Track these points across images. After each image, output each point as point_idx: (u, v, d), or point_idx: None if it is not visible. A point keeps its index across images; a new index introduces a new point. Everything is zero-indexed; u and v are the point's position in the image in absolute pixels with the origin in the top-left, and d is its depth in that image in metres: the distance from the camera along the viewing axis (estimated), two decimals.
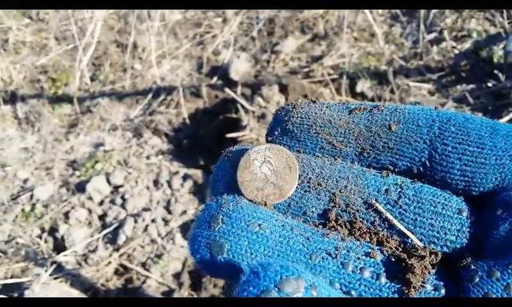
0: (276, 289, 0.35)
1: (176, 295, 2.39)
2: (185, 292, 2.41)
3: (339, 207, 0.48)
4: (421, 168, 0.49)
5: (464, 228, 0.46)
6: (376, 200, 0.48)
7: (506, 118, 2.84)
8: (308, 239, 0.45)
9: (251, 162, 0.49)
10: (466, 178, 0.47)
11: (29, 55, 3.87)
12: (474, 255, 0.45)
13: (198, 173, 2.93)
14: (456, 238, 0.46)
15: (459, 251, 0.46)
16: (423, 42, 3.56)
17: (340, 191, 0.48)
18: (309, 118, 0.51)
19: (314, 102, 0.53)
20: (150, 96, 3.53)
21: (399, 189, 0.48)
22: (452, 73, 3.37)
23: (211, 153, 3.06)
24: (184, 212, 2.74)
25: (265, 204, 0.48)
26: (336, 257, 0.44)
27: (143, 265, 2.54)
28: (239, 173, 0.49)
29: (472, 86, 3.24)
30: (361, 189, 0.48)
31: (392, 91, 3.27)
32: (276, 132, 0.52)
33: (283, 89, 3.22)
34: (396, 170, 0.50)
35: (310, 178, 0.49)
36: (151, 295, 2.42)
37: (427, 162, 0.49)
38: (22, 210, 2.82)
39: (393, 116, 0.50)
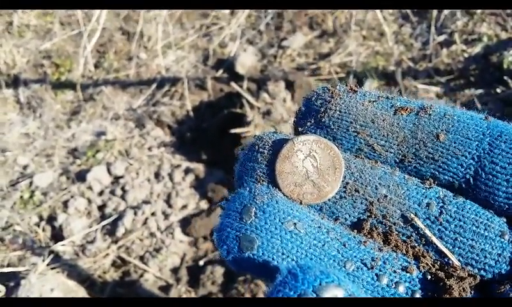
0: (314, 294, 0.33)
1: (173, 291, 2.37)
2: (182, 288, 2.39)
3: (375, 218, 0.44)
4: (463, 184, 0.45)
5: (505, 253, 0.43)
6: (416, 214, 0.44)
7: None
8: (344, 245, 0.42)
9: (295, 152, 0.45)
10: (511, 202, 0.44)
11: (33, 39, 3.82)
12: None
13: (200, 167, 2.89)
14: (496, 263, 0.43)
15: (497, 276, 0.44)
16: (433, 44, 3.51)
17: (378, 200, 0.44)
18: (349, 114, 0.46)
19: (355, 91, 0.47)
20: (154, 86, 3.49)
21: (441, 204, 0.44)
22: (461, 77, 3.33)
23: (214, 148, 3.02)
24: (185, 207, 2.71)
25: (300, 203, 0.44)
26: (372, 268, 0.41)
27: (141, 258, 2.52)
28: (279, 162, 0.44)
29: (480, 90, 3.19)
30: (401, 200, 0.44)
31: (399, 93, 3.22)
32: (308, 123, 0.47)
33: (290, 85, 3.17)
34: (436, 183, 0.46)
35: (347, 183, 0.45)
36: (148, 289, 2.39)
37: (471, 179, 0.45)
38: (21, 196, 2.80)
39: (442, 123, 0.46)
